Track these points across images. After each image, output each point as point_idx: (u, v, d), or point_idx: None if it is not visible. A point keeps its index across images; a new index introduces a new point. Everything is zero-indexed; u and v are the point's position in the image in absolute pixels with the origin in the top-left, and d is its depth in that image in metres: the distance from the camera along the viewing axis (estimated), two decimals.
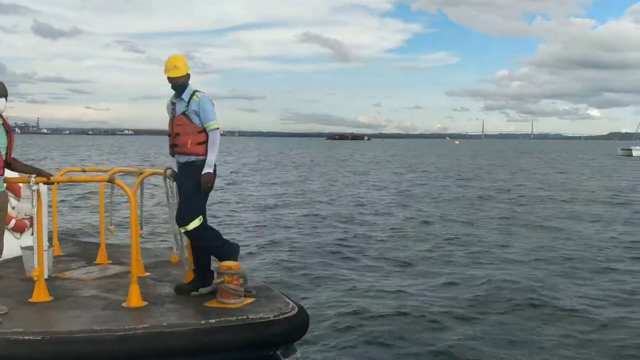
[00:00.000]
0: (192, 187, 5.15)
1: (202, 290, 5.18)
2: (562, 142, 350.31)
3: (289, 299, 5.17)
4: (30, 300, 5.09)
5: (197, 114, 5.13)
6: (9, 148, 4.73)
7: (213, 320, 4.55)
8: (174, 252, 6.21)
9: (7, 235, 7.28)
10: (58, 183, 5.30)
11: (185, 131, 5.13)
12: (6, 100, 4.65)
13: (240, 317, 4.62)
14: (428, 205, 22.55)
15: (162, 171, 5.75)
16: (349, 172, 43.62)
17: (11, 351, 4.13)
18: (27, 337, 4.20)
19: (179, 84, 5.20)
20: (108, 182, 5.18)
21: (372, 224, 17.45)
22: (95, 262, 6.85)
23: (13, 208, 7.48)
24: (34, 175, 4.86)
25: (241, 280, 5.03)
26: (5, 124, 4.74)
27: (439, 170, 47.62)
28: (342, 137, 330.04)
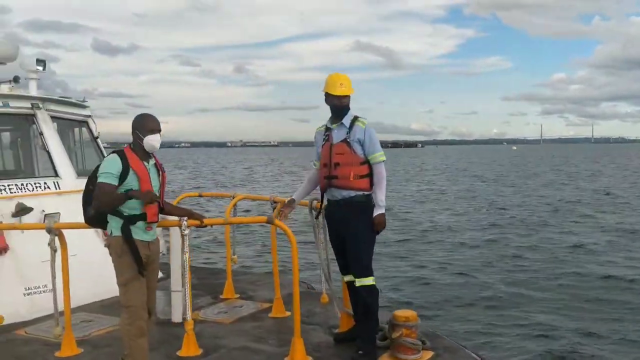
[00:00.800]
0: (364, 229, 4.42)
1: (380, 343, 4.49)
2: (626, 146, 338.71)
3: (471, 351, 4.45)
4: (179, 353, 4.54)
5: (361, 143, 4.42)
6: (161, 190, 4.15)
7: None
8: (324, 291, 5.57)
9: None
10: (209, 225, 4.63)
11: (348, 162, 4.40)
12: (160, 136, 4.07)
13: None
14: (533, 215, 21.41)
15: (307, 202, 5.15)
16: (420, 182, 42.24)
17: None
18: None
19: (344, 105, 4.51)
20: (267, 223, 4.56)
21: (489, 241, 16.34)
22: (221, 297, 6.33)
23: None
24: (185, 218, 4.26)
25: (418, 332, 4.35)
26: (157, 163, 4.16)
27: (520, 177, 45.77)
28: (395, 145, 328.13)
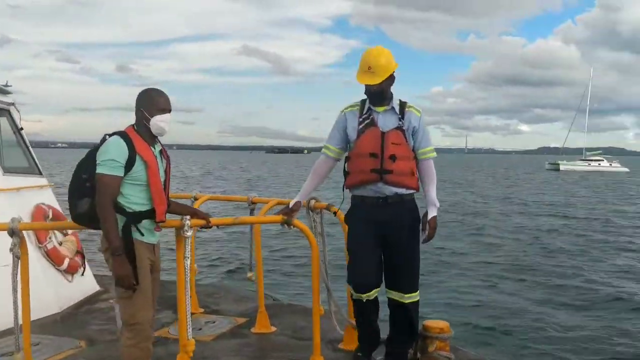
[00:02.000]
0: (416, 235, 3.81)
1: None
2: (497, 157, 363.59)
3: None
4: None
5: (414, 133, 3.76)
6: (166, 182, 3.41)
7: None
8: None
9: (59, 279, 5.91)
10: (215, 226, 3.80)
11: (404, 154, 3.70)
12: (170, 117, 3.35)
13: None
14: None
15: (305, 202, 4.54)
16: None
17: None
18: None
19: (377, 92, 3.72)
20: (283, 223, 3.93)
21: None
22: None
23: (60, 244, 6.08)
24: (187, 217, 3.52)
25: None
26: (163, 151, 3.43)
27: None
28: (281, 150, 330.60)
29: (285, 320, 5.20)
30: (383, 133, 3.70)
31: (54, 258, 5.85)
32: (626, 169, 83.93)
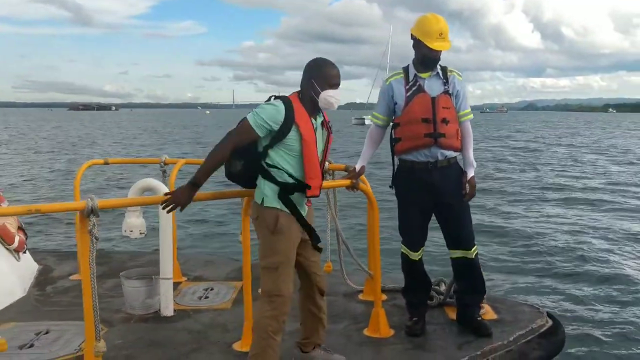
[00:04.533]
0: (462, 194, 4.02)
1: (431, 303, 4.44)
2: None
3: (530, 304, 4.63)
4: None
5: (457, 96, 3.94)
6: (324, 154, 3.33)
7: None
8: (329, 259, 5.06)
9: (11, 260, 5.32)
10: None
11: (453, 117, 3.90)
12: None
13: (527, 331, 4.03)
14: None
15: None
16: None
17: None
18: None
19: (438, 59, 3.91)
20: (350, 187, 4.00)
21: None
22: None
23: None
24: None
25: None
26: (325, 121, 3.35)
27: None
28: (86, 107, 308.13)
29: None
30: (433, 98, 3.88)
31: (4, 236, 5.23)
32: None
